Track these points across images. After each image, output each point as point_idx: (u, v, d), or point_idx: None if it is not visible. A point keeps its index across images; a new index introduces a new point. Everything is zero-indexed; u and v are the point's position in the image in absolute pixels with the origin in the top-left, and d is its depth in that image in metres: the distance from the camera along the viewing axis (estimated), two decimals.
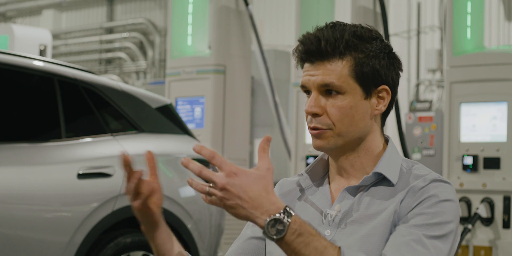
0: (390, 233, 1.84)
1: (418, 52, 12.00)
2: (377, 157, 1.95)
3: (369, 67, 1.89)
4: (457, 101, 6.31)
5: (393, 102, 1.97)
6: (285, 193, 2.04)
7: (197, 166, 1.61)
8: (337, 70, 1.87)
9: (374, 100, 1.91)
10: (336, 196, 1.95)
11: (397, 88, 1.96)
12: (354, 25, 1.93)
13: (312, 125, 1.90)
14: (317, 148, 1.92)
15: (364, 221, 1.88)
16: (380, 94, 1.92)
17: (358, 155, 1.94)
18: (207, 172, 1.60)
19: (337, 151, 1.93)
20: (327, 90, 1.88)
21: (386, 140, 1.99)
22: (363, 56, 1.88)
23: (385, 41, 1.95)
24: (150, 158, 1.79)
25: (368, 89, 1.90)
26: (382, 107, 1.92)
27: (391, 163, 1.93)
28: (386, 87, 1.92)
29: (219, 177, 1.62)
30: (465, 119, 6.30)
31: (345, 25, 1.92)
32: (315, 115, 1.89)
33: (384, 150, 1.96)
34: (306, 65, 1.91)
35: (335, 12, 7.51)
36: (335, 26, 1.90)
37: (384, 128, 2.02)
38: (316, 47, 1.87)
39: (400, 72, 1.96)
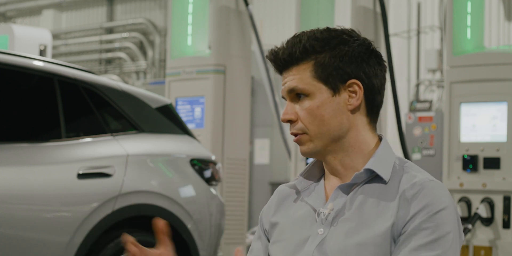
0: (389, 245, 1.86)
1: (418, 52, 11.99)
2: (368, 155, 1.95)
3: (330, 65, 1.91)
4: (457, 101, 6.31)
5: (374, 95, 1.96)
6: (283, 198, 2.06)
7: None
8: (299, 74, 1.93)
9: (345, 95, 1.93)
10: (330, 195, 1.96)
11: (375, 80, 1.95)
12: (317, 30, 1.95)
13: (290, 132, 1.96)
14: (303, 154, 1.96)
15: (357, 220, 1.89)
16: (351, 89, 1.93)
17: (346, 154, 1.95)
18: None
19: (322, 153, 1.96)
20: (297, 95, 1.94)
21: (380, 139, 1.99)
22: (322, 56, 1.92)
23: (359, 37, 1.95)
24: (161, 228, 1.90)
25: (335, 86, 1.92)
26: (355, 101, 1.93)
27: (383, 160, 1.94)
28: (356, 81, 1.93)
29: None
30: (465, 119, 6.29)
31: (309, 31, 1.95)
32: (290, 121, 1.95)
33: (377, 148, 1.96)
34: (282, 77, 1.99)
35: (335, 12, 7.50)
36: (297, 35, 1.95)
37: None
38: (278, 58, 1.95)
39: (378, 65, 1.96)
